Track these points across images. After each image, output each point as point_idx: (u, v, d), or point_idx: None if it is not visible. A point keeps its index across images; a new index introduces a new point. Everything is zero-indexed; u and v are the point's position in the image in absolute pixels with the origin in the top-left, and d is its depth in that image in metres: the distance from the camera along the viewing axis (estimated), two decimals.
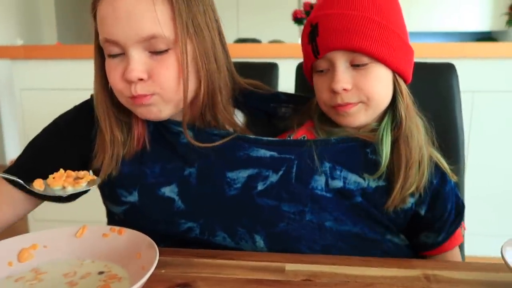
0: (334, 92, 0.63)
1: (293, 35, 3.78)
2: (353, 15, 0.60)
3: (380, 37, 0.60)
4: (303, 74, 0.93)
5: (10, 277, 0.47)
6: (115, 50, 0.60)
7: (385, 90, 0.64)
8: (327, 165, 0.64)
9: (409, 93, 0.66)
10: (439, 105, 0.85)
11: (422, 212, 0.65)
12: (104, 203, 0.75)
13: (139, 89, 0.60)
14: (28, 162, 0.69)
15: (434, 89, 0.85)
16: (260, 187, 0.64)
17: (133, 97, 0.60)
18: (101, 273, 0.48)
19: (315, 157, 0.64)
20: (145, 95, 0.60)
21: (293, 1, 3.96)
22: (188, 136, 0.64)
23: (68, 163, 0.68)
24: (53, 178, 0.57)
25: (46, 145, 0.70)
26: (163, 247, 0.53)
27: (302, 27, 2.16)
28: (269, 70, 1.05)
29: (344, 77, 0.61)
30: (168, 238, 0.66)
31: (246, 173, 0.64)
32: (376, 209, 0.64)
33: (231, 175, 0.64)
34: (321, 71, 0.65)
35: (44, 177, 0.65)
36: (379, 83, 0.63)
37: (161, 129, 0.68)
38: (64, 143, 0.70)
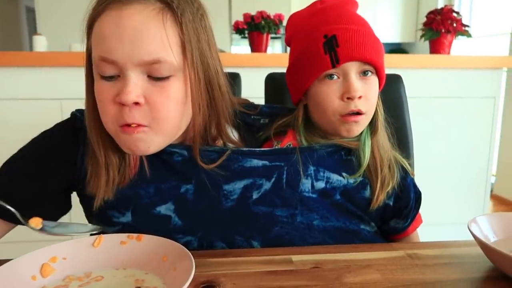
0: (347, 99, 0.69)
1: (226, 44, 3.88)
2: (366, 31, 0.69)
3: (381, 52, 0.71)
4: (273, 85, 1.01)
5: None
6: (110, 71, 0.56)
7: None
8: (312, 168, 0.71)
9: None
10: (390, 110, 0.97)
11: (391, 203, 0.75)
12: (90, 221, 0.73)
13: (137, 117, 0.56)
14: (5, 187, 0.65)
15: (386, 96, 0.97)
16: (255, 195, 0.68)
17: (125, 125, 0.57)
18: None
19: (302, 162, 0.71)
20: (138, 125, 0.57)
21: (224, 12, 4.05)
22: (200, 161, 0.65)
23: (50, 189, 0.66)
24: None
25: (26, 170, 0.66)
26: None
27: (240, 36, 2.25)
28: (232, 80, 1.11)
29: (358, 85, 0.69)
30: None
31: (242, 184, 0.68)
32: (352, 204, 0.73)
33: (227, 187, 0.68)
34: (331, 77, 0.69)
35: (22, 203, 0.61)
36: (376, 93, 0.73)
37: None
38: (46, 168, 0.66)
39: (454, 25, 2.12)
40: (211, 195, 0.67)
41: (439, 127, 2.17)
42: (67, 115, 0.71)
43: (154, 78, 0.57)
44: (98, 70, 0.57)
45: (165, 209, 0.67)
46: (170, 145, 0.67)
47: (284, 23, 2.36)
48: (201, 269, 0.56)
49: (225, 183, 0.68)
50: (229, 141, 0.72)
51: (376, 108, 0.74)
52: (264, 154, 0.70)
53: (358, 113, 0.70)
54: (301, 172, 0.70)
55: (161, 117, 0.58)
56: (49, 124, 0.70)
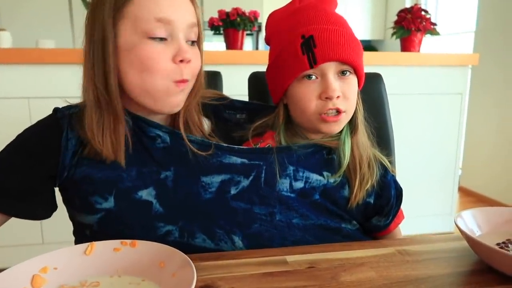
0: (326, 99, 0.69)
1: None
2: (344, 31, 0.69)
3: (359, 52, 0.71)
4: (256, 84, 1.00)
5: None
6: (162, 33, 0.63)
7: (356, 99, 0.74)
8: (291, 168, 0.72)
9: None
10: (371, 109, 0.99)
11: (372, 201, 0.77)
12: (73, 217, 0.72)
13: (188, 73, 0.66)
14: None
15: (367, 95, 0.99)
16: (233, 191, 0.69)
17: (180, 81, 0.66)
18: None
19: (280, 162, 0.71)
20: (186, 80, 0.66)
21: None
22: (191, 146, 0.69)
23: (35, 181, 0.67)
24: None
25: (13, 164, 0.67)
26: None
27: (212, 33, 2.24)
28: (213, 78, 1.10)
29: (336, 85, 0.69)
30: None
31: (220, 178, 0.69)
32: (332, 203, 0.74)
33: (205, 179, 0.69)
34: (309, 77, 0.70)
35: (10, 194, 0.64)
36: (355, 92, 0.73)
37: (138, 132, 0.69)
38: (32, 162, 0.67)
39: (424, 23, 2.19)
40: (190, 185, 0.68)
41: (409, 123, 2.24)
42: (35, 114, 0.73)
43: (190, 42, 0.67)
44: (149, 31, 0.62)
45: (146, 194, 0.67)
46: (156, 126, 0.69)
47: (259, 20, 2.37)
48: (197, 273, 0.56)
49: (203, 175, 0.69)
50: (198, 129, 0.74)
51: (356, 107, 0.75)
52: (242, 152, 0.72)
53: (338, 111, 0.70)
54: (278, 172, 0.71)
55: (194, 74, 0.69)
56: (17, 123, 0.69)
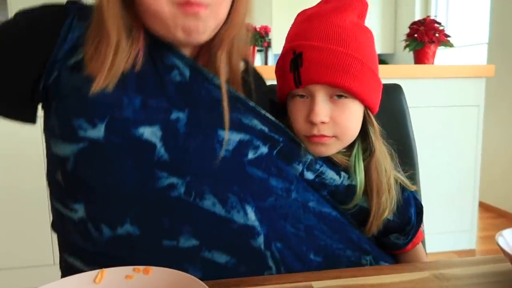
0: (311, 123, 0.64)
1: None
2: (338, 51, 0.62)
3: (360, 75, 0.63)
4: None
5: None
6: None
7: (357, 124, 0.67)
8: (309, 157, 0.67)
9: (378, 123, 0.70)
10: (392, 122, 0.95)
11: (391, 218, 0.71)
12: (48, 147, 0.61)
13: None
14: None
15: (386, 106, 0.95)
16: (250, 155, 0.62)
17: (184, 4, 0.54)
18: None
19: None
20: (199, 4, 0.54)
21: None
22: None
23: (26, 68, 0.58)
24: None
25: (4, 46, 0.58)
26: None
27: None
28: None
29: (323, 110, 0.63)
30: (137, 201, 0.56)
31: (238, 137, 0.61)
32: (340, 203, 0.69)
33: (222, 134, 0.60)
34: (300, 96, 0.66)
35: None
36: (353, 118, 0.66)
37: (153, 54, 0.60)
38: (23, 43, 0.58)
39: (437, 35, 2.16)
40: (205, 136, 0.59)
41: (425, 136, 2.18)
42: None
43: None
44: None
45: (150, 133, 0.56)
46: (176, 53, 0.61)
47: (270, 35, 2.36)
48: None
49: (220, 128, 0.60)
50: (237, 79, 0.65)
51: (369, 129, 0.69)
52: (266, 119, 0.64)
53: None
54: (297, 154, 0.65)
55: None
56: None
